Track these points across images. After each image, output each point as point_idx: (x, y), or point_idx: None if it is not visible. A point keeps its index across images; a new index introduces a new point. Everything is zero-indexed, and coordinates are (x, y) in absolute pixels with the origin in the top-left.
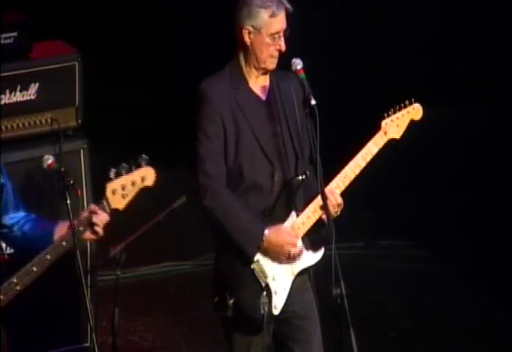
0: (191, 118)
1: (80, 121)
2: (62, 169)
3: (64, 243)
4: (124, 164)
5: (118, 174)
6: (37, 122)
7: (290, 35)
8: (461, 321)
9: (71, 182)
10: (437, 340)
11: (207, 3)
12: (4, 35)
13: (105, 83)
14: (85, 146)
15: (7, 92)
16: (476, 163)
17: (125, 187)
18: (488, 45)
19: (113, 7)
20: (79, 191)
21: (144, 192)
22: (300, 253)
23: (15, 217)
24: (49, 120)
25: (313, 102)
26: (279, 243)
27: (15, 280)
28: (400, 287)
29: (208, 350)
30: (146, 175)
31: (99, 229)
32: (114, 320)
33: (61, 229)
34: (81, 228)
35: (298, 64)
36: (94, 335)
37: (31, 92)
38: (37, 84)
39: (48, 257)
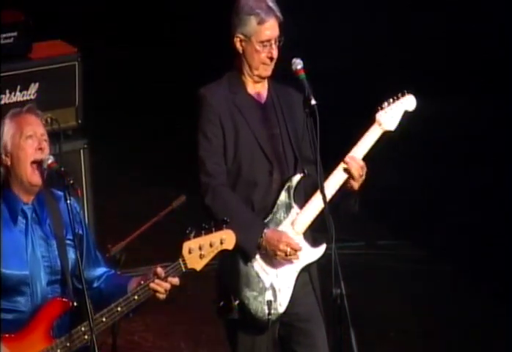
0: (191, 118)
1: (80, 121)
2: (62, 169)
3: (135, 297)
4: (204, 225)
5: (197, 234)
6: None
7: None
8: (461, 321)
9: (71, 182)
10: (437, 340)
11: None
12: (4, 35)
13: (105, 83)
14: (85, 146)
15: (7, 92)
16: (475, 163)
17: (203, 247)
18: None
19: (113, 6)
20: (79, 191)
21: (144, 192)
22: (298, 252)
23: (96, 273)
24: (49, 120)
25: (313, 102)
26: (276, 240)
27: (82, 329)
28: (399, 287)
29: (208, 350)
30: (226, 238)
31: (161, 296)
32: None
33: (133, 284)
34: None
35: (298, 64)
36: (94, 335)
37: (31, 92)
38: (37, 84)
39: (119, 309)
